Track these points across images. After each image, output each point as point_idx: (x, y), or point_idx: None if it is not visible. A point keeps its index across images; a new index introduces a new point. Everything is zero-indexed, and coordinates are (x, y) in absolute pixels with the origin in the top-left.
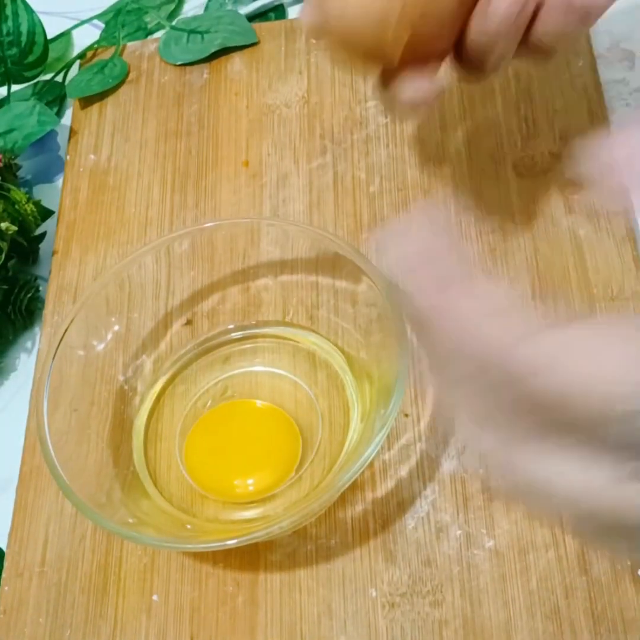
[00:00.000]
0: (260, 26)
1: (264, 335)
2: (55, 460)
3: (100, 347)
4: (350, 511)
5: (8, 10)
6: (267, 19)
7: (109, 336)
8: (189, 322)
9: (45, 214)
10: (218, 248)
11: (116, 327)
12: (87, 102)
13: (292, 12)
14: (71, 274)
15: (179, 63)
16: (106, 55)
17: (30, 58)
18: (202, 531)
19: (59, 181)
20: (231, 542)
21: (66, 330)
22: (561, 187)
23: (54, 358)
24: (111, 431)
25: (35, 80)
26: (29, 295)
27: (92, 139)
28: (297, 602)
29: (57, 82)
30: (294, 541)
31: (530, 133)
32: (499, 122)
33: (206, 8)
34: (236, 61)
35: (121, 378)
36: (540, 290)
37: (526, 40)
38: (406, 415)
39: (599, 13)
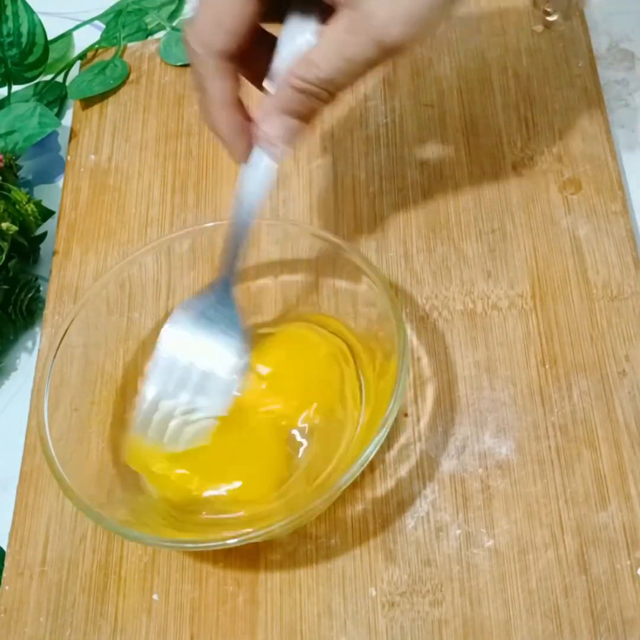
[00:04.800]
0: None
1: (263, 333)
2: (55, 460)
3: (101, 346)
4: (350, 511)
5: (8, 11)
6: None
7: (110, 335)
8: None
9: (46, 214)
10: (218, 248)
11: (117, 326)
12: (87, 102)
13: None
14: (72, 274)
15: (179, 64)
16: (107, 56)
17: (31, 59)
18: (201, 529)
19: (60, 181)
20: (232, 541)
21: (67, 330)
22: (561, 187)
23: (54, 357)
24: (111, 431)
25: (36, 81)
26: (30, 295)
27: (92, 139)
28: (297, 601)
29: (57, 82)
30: (294, 540)
31: (530, 133)
32: (498, 122)
33: None
34: None
35: (121, 377)
36: (539, 290)
37: None
38: (406, 415)
39: None
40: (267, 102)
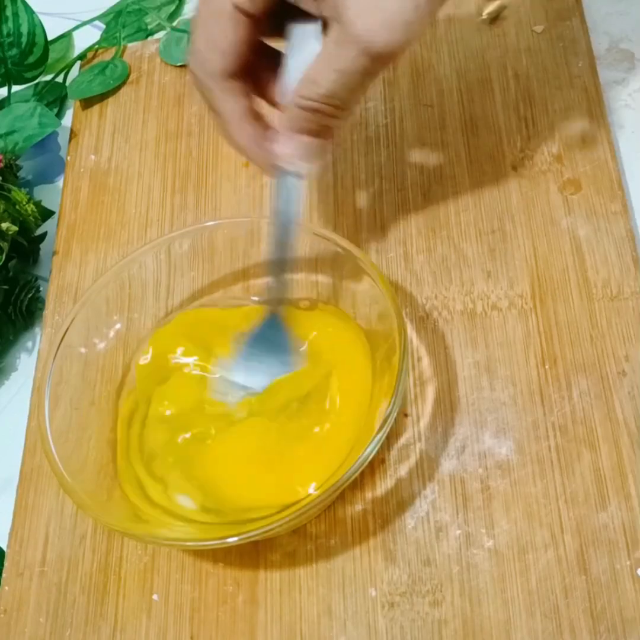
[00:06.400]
0: None
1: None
2: (56, 458)
3: (101, 346)
4: (350, 511)
5: (8, 11)
6: None
7: (110, 335)
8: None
9: (46, 214)
10: (218, 248)
11: (117, 326)
12: (87, 102)
13: None
14: (71, 275)
15: (179, 64)
16: (107, 56)
17: (31, 59)
18: (200, 528)
19: (60, 182)
20: (231, 540)
21: (67, 330)
22: (561, 187)
23: (55, 357)
24: (112, 430)
25: (36, 81)
26: (30, 295)
27: (92, 139)
28: (297, 601)
29: (57, 82)
30: (294, 540)
31: (530, 133)
32: (498, 123)
33: None
34: None
35: (121, 377)
36: (539, 291)
37: None
38: (406, 415)
39: None
40: (279, 122)
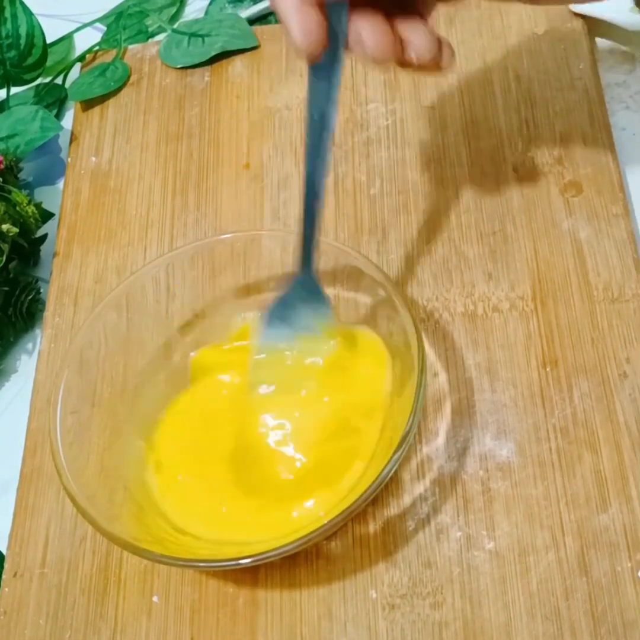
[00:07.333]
0: (261, 29)
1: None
2: (66, 470)
3: (101, 349)
4: None
5: (7, 13)
6: (268, 22)
7: (110, 337)
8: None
9: (46, 216)
10: (222, 259)
11: (116, 329)
12: (88, 104)
13: None
14: (72, 276)
15: (180, 66)
16: (108, 58)
17: (29, 60)
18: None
19: (60, 183)
20: (245, 561)
21: (77, 335)
22: (562, 189)
23: (66, 366)
24: (112, 434)
25: (36, 83)
26: (30, 297)
27: (93, 141)
28: (297, 603)
29: (57, 84)
30: None
31: (531, 135)
32: (499, 124)
33: (207, 11)
34: (237, 64)
35: (122, 380)
36: (540, 293)
37: None
38: None
39: None
40: None
